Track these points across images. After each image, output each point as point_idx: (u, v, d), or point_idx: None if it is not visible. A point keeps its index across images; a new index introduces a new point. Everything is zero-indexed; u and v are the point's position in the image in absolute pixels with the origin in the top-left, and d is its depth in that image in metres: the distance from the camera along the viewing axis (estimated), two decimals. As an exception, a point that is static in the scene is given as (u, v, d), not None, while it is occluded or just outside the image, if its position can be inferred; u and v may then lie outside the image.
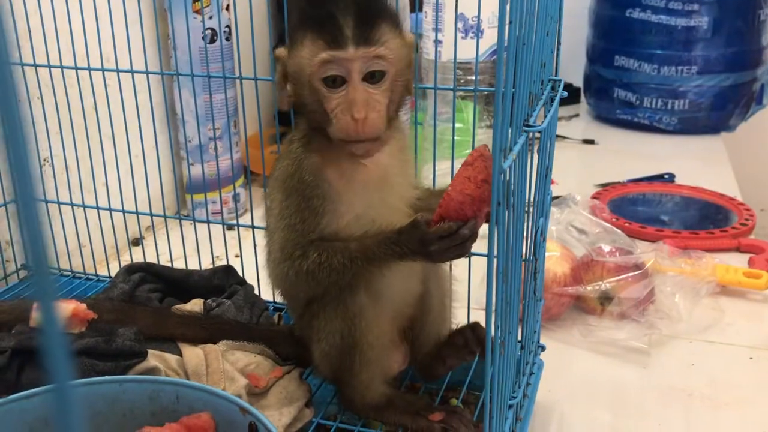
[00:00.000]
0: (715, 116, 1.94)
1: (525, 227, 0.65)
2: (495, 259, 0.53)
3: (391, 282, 0.72)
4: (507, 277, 0.56)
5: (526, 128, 0.58)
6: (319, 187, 0.68)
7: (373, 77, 0.64)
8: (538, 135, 0.65)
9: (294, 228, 0.69)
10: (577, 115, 2.20)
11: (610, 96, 2.02)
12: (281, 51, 0.68)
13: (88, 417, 0.64)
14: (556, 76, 0.75)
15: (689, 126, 1.94)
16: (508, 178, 0.53)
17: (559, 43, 0.75)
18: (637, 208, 1.56)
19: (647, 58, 1.91)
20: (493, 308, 0.55)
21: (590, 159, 1.87)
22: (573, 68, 2.22)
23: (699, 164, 1.77)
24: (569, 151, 1.90)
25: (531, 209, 0.68)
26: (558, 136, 1.94)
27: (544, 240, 0.76)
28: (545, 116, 0.66)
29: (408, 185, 0.75)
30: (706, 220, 1.49)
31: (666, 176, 1.65)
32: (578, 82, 2.25)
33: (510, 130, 0.53)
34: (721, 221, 1.43)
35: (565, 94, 0.75)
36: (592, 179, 1.65)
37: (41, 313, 0.17)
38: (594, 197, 1.49)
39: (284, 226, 0.70)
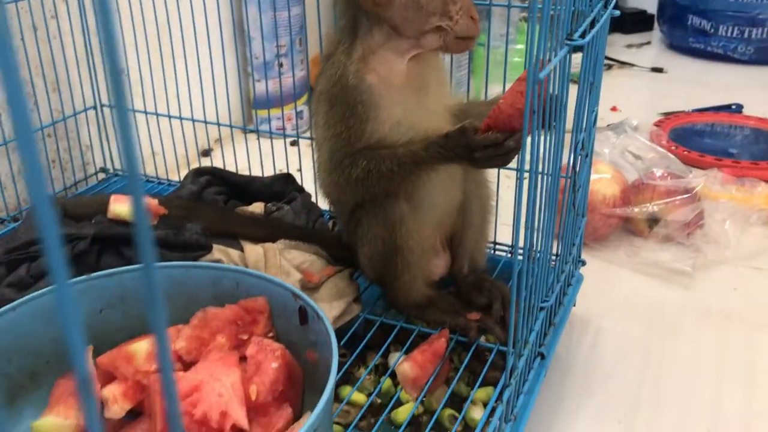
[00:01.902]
0: (795, 46, 1.86)
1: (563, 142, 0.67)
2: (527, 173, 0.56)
3: (431, 191, 0.76)
4: (538, 184, 0.59)
5: (569, 42, 0.60)
6: (362, 92, 0.70)
7: None
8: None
9: (341, 137, 0.72)
10: (648, 43, 2.15)
11: (683, 23, 1.96)
12: None
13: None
14: (608, -7, 0.76)
15: (766, 56, 1.87)
16: (545, 90, 0.56)
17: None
18: (702, 139, 1.53)
19: (725, -16, 1.84)
20: (523, 219, 0.58)
21: (657, 88, 1.84)
22: (648, -6, 2.16)
23: (771, 96, 1.72)
24: (636, 79, 1.87)
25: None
26: (625, 63, 1.91)
27: (587, 156, 0.78)
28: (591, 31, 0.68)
29: (444, 91, 0.78)
30: (773, 152, 1.46)
31: (734, 107, 1.62)
32: (652, 8, 2.19)
33: (549, 43, 0.55)
34: (788, 154, 1.40)
35: (617, 12, 0.76)
36: (657, 108, 1.63)
37: (133, 208, 0.21)
38: (656, 125, 1.48)
39: (331, 136, 0.73)
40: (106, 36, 0.21)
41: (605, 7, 0.75)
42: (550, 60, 0.56)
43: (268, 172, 1.12)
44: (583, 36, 0.63)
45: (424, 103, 0.72)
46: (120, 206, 0.82)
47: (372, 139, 0.71)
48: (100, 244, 0.80)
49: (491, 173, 0.87)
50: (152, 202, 0.84)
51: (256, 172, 1.13)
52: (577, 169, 0.73)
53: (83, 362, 0.20)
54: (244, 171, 1.16)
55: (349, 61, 0.70)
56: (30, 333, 0.67)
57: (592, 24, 0.68)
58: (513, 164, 0.89)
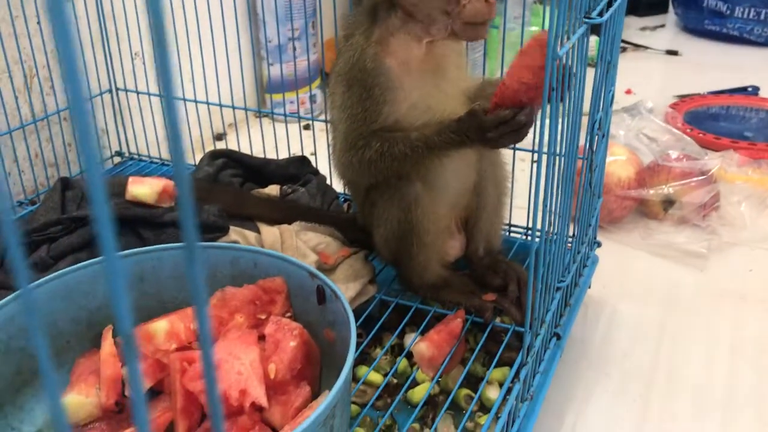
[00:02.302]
0: (812, 28, 1.84)
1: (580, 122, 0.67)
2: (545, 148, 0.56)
3: (446, 172, 0.76)
4: (555, 163, 0.59)
5: (586, 20, 0.60)
6: (380, 74, 0.70)
7: None
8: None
9: (356, 118, 0.72)
10: (663, 26, 2.13)
11: (699, 5, 1.94)
12: None
13: (176, 278, 0.72)
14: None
15: (782, 38, 1.85)
16: (564, 65, 0.55)
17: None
18: (718, 122, 1.52)
19: (742, -36, 1.82)
20: (541, 198, 0.58)
21: (672, 70, 1.83)
22: (663, -25, 2.14)
23: (788, 78, 1.70)
24: (651, 61, 1.86)
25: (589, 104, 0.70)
26: (639, 45, 1.90)
27: (604, 136, 0.78)
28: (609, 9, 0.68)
29: (462, 75, 0.78)
30: (789, 135, 1.45)
31: (750, 89, 1.60)
32: (667, -10, 2.17)
33: (568, 20, 0.55)
34: (804, 136, 1.39)
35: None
36: (671, 90, 1.62)
37: (179, 195, 0.22)
38: (671, 107, 1.47)
39: (347, 117, 0.73)
40: (157, 34, 0.21)
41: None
42: (568, 38, 0.56)
43: (283, 155, 1.13)
44: (600, 15, 0.63)
45: (442, 86, 0.72)
46: (138, 188, 0.82)
47: (388, 121, 0.71)
48: (119, 225, 0.80)
49: (506, 154, 0.87)
50: (169, 184, 0.84)
51: (271, 155, 1.13)
52: (594, 148, 0.72)
53: (130, 329, 0.20)
54: (258, 155, 1.16)
55: (367, 44, 0.70)
56: (50, 313, 0.67)
57: (609, 3, 0.68)
58: (528, 145, 0.89)
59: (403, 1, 0.69)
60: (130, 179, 0.83)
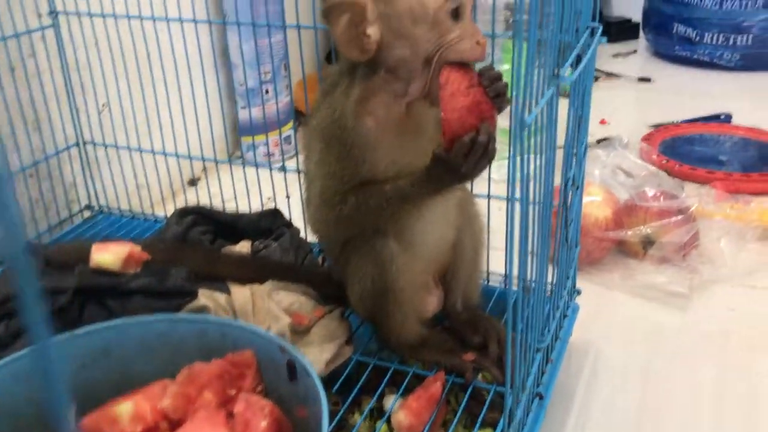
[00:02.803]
0: (781, 52, 1.86)
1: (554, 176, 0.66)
2: (517, 204, 0.55)
3: (424, 229, 0.74)
4: (527, 222, 0.58)
5: (555, 79, 0.58)
6: (360, 134, 0.69)
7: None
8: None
9: (334, 175, 0.71)
10: (634, 52, 2.14)
11: (669, 32, 1.96)
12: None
13: (142, 352, 0.70)
14: (594, 21, 0.74)
15: (752, 63, 1.87)
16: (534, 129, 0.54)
17: (598, -12, 0.74)
18: (693, 147, 1.52)
19: (709, -8, 1.84)
20: (516, 253, 0.57)
21: (645, 98, 1.83)
22: (633, 2, 2.16)
23: (760, 103, 1.71)
24: (624, 89, 1.86)
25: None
26: (612, 74, 1.90)
27: (577, 188, 0.76)
28: (578, 65, 0.66)
29: (439, 131, 0.76)
30: (763, 162, 1.45)
31: (722, 116, 1.61)
32: (637, 17, 2.18)
33: (535, 82, 0.54)
34: (778, 163, 1.39)
35: (603, 40, 0.74)
36: (646, 119, 1.62)
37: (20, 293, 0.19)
38: (644, 139, 1.46)
39: (324, 174, 0.72)
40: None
41: (591, 35, 0.73)
42: (536, 102, 0.55)
43: (256, 199, 1.11)
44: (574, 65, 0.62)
45: (421, 143, 0.71)
46: (101, 255, 0.79)
47: (365, 179, 0.70)
48: (83, 296, 0.77)
49: (482, 204, 0.86)
50: (135, 248, 0.81)
51: (245, 200, 1.11)
52: (569, 204, 0.71)
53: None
54: (231, 201, 1.14)
55: (348, 102, 0.69)
56: (9, 395, 0.64)
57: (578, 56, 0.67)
58: (503, 192, 0.87)
59: (384, 59, 0.68)
60: (94, 246, 0.80)
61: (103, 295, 0.78)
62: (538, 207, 0.61)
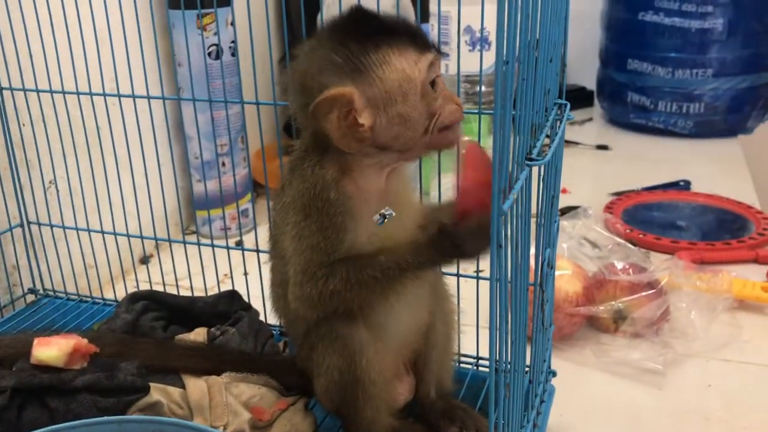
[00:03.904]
0: (732, 119, 1.90)
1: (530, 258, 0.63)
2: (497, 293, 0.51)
3: (397, 315, 0.71)
4: (507, 305, 0.54)
5: (529, 162, 0.56)
6: (342, 203, 0.66)
7: None
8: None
9: (317, 248, 0.66)
10: (590, 119, 2.17)
11: (623, 100, 1.99)
12: (345, 90, 0.62)
13: (88, 459, 0.63)
14: (561, 98, 0.73)
15: (705, 129, 1.91)
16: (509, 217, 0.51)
17: (564, 65, 0.73)
18: (652, 213, 1.53)
19: (661, 62, 1.88)
20: (497, 340, 0.53)
21: (604, 165, 1.84)
22: (586, 71, 2.20)
23: (715, 169, 1.73)
24: (582, 157, 1.88)
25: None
26: (570, 141, 1.92)
27: (552, 269, 0.74)
28: (550, 144, 0.64)
29: (416, 205, 0.75)
30: (723, 229, 1.46)
31: (682, 183, 1.62)
32: (591, 85, 2.23)
33: (510, 168, 0.51)
34: (739, 231, 1.40)
35: (572, 116, 0.73)
36: (606, 187, 1.63)
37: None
38: (607, 208, 1.46)
39: (305, 248, 0.67)
40: None
41: (559, 110, 0.72)
42: (511, 188, 0.52)
43: (213, 277, 1.06)
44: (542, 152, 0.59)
45: (400, 212, 0.68)
46: (44, 351, 0.73)
47: (351, 249, 0.67)
48: (22, 395, 0.71)
49: (451, 284, 0.83)
50: (81, 341, 0.75)
51: (200, 278, 1.05)
52: (544, 286, 0.68)
53: None
54: (185, 279, 1.08)
55: (326, 174, 0.66)
56: None
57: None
58: (471, 271, 0.85)
59: (377, 139, 0.65)
60: (36, 341, 0.74)
61: (45, 394, 0.72)
62: (519, 288, 0.58)
